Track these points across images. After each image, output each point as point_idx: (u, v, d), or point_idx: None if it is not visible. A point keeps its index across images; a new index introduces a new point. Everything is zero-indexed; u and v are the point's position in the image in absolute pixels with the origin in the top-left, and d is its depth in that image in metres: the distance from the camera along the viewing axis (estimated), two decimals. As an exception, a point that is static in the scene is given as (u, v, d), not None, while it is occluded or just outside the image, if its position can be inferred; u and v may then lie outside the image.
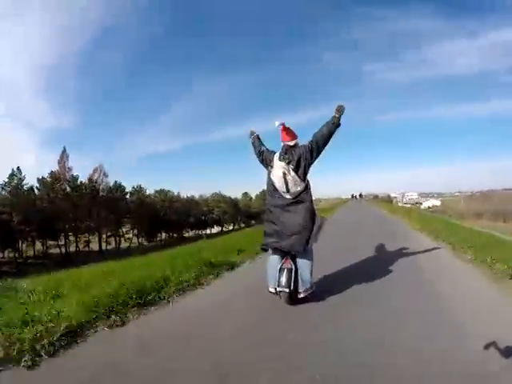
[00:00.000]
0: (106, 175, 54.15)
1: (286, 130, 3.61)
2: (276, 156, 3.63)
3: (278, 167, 3.54)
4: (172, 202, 62.02)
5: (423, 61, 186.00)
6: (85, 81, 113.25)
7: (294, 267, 3.54)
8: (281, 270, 3.52)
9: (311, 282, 3.63)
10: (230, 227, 77.27)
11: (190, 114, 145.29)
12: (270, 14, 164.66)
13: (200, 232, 69.97)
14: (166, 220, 58.94)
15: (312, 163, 3.62)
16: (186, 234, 67.96)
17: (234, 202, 77.84)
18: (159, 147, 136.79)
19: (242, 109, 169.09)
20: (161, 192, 61.13)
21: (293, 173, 3.48)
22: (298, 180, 3.52)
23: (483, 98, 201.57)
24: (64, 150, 50.31)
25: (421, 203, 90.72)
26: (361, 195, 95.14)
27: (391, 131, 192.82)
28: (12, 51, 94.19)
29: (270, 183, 3.66)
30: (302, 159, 3.52)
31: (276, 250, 3.66)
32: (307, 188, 3.60)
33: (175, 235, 64.02)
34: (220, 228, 74.18)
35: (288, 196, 3.57)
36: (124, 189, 54.20)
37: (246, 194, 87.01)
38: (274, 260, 3.68)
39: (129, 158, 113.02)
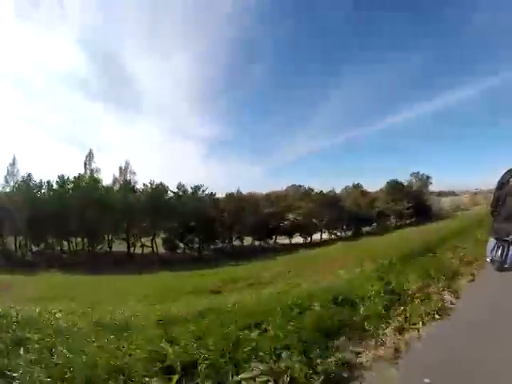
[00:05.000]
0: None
1: None
2: None
3: None
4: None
5: None
6: (238, 89, 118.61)
7: (506, 247, 4.92)
8: (497, 248, 5.05)
9: None
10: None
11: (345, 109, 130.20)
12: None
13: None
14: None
15: None
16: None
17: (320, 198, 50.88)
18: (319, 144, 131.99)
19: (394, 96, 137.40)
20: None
21: None
22: None
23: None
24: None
25: None
26: None
27: None
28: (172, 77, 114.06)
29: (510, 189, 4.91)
30: None
31: (494, 233, 5.17)
32: None
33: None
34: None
35: None
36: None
37: (357, 186, 57.94)
38: (492, 241, 5.19)
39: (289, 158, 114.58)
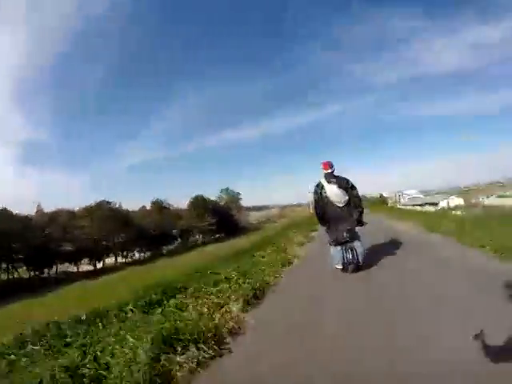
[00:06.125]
0: None
1: (327, 163, 5.72)
2: (323, 182, 5.66)
3: (330, 188, 5.57)
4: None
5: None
6: (64, 93, 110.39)
7: (353, 247, 5.53)
8: (346, 251, 5.54)
9: (364, 254, 5.69)
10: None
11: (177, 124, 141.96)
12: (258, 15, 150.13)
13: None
14: None
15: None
16: None
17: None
18: (147, 157, 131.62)
19: (234, 113, 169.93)
20: None
21: (340, 189, 5.53)
22: (345, 193, 5.55)
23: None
24: None
25: (435, 203, 54.76)
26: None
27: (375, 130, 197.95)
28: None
29: (326, 199, 5.63)
30: (343, 184, 5.58)
31: (337, 242, 5.64)
32: (350, 199, 5.60)
33: None
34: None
35: (341, 205, 5.57)
36: None
37: (156, 201, 57.36)
38: (336, 249, 5.68)
39: (115, 170, 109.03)
